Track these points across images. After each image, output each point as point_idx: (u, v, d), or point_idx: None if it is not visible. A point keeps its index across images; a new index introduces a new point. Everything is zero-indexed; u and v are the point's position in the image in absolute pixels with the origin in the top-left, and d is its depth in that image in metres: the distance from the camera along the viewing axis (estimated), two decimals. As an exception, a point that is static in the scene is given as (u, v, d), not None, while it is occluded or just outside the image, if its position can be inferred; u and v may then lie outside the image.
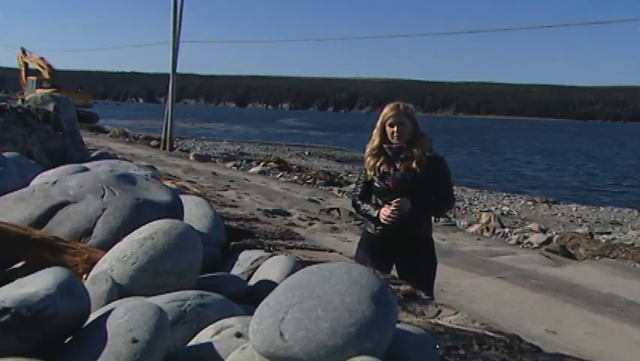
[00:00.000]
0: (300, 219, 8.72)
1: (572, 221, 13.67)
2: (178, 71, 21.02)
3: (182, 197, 2.98)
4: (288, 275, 1.96)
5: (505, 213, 14.12)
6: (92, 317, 1.59)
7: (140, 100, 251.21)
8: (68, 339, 1.55)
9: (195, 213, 2.94)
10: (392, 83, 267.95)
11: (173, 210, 2.63)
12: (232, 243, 2.89)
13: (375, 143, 3.49)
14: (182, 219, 2.57)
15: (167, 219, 2.13)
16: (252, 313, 1.50)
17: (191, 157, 19.11)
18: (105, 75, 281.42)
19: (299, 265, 2.24)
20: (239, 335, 1.54)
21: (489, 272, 6.58)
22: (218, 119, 78.82)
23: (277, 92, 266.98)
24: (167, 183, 3.80)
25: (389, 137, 3.46)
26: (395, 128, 3.43)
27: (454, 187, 3.92)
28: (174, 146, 21.87)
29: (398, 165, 3.44)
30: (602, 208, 16.32)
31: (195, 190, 4.68)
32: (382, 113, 3.48)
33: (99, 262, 2.05)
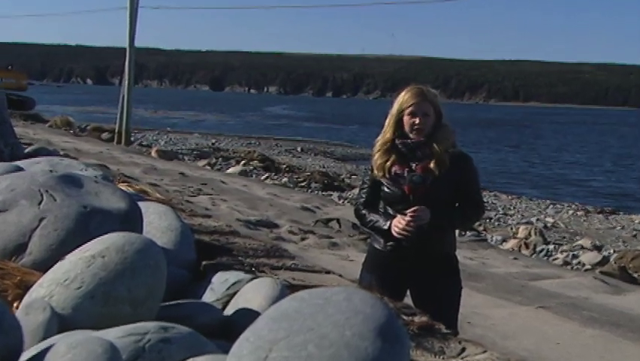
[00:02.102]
0: (290, 232, 8.73)
1: (634, 236, 13.70)
2: (137, 44, 21.03)
3: (142, 204, 2.99)
4: (273, 303, 1.96)
5: (548, 225, 14.15)
6: (26, 355, 1.59)
7: (88, 81, 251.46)
8: (-5, 383, 1.55)
9: (158, 224, 2.94)
10: (407, 62, 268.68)
11: (130, 220, 2.64)
12: (204, 262, 2.90)
13: (387, 136, 3.48)
14: (140, 232, 2.58)
15: (121, 232, 2.14)
16: (227, 351, 1.51)
17: (153, 153, 19.11)
18: (44, 49, 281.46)
19: (287, 290, 2.25)
20: (211, 378, 1.54)
21: (528, 300, 6.59)
22: (187, 105, 78.92)
23: (262, 73, 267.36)
24: (122, 187, 3.80)
25: (407, 129, 3.45)
26: (417, 120, 3.41)
27: (484, 193, 3.93)
28: (132, 139, 21.88)
29: (414, 166, 3.44)
30: (673, 221, 16.36)
31: (158, 196, 4.68)
32: (400, 99, 3.45)
33: (35, 286, 2.05)
